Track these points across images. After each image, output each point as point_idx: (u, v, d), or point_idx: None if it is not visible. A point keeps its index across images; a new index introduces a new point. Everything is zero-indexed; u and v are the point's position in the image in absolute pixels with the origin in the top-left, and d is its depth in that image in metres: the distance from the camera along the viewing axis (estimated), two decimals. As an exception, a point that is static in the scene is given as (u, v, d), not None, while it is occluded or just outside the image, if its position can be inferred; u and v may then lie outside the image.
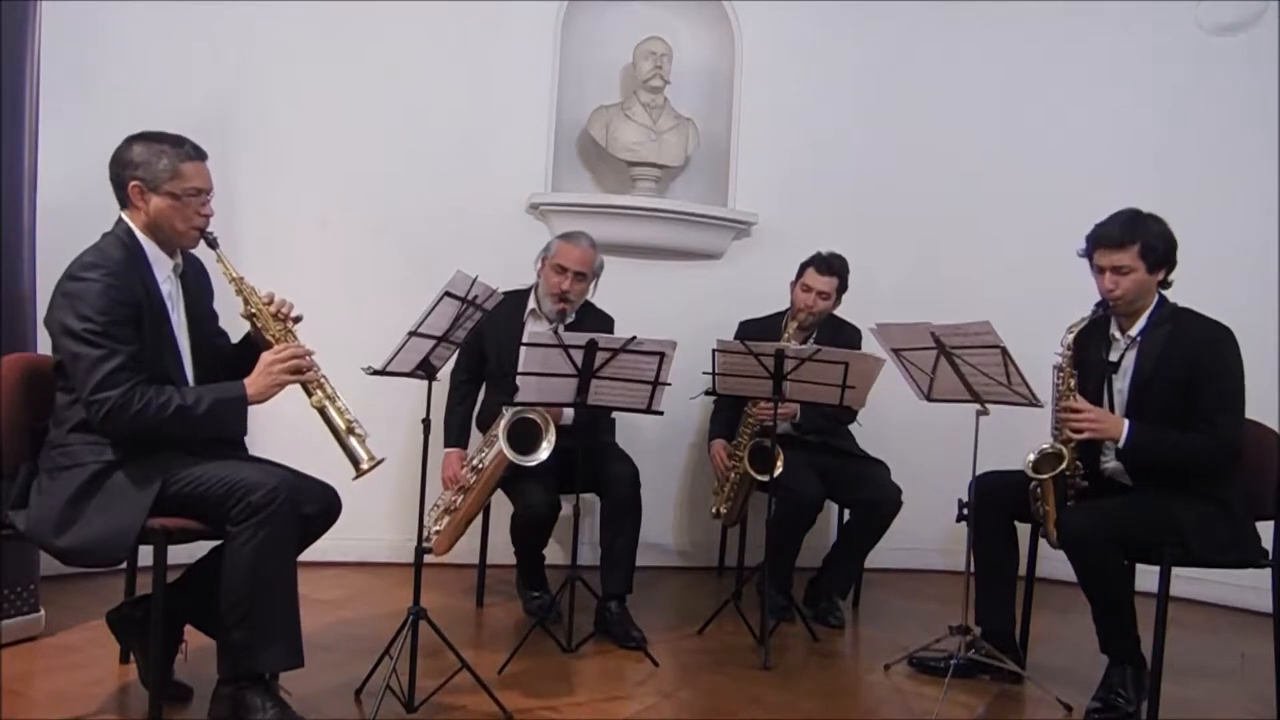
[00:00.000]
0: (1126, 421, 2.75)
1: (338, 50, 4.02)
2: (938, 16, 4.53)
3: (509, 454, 2.94)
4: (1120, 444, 2.75)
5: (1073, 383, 2.82)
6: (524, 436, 2.98)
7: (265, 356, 2.40)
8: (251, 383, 2.37)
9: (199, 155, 2.41)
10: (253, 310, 2.45)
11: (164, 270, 2.43)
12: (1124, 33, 4.40)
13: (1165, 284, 2.84)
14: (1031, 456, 2.82)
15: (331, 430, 2.39)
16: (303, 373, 2.39)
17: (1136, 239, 2.74)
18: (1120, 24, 4.40)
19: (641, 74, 4.33)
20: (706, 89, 4.54)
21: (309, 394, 2.40)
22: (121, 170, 2.37)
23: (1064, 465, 2.77)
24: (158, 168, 2.34)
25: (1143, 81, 4.37)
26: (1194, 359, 2.74)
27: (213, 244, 2.43)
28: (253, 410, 2.39)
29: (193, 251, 2.55)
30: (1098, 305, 2.83)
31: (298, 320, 2.50)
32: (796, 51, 4.47)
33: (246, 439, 2.65)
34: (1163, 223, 2.79)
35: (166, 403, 2.25)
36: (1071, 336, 2.82)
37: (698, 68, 4.54)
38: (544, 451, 2.95)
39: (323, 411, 2.39)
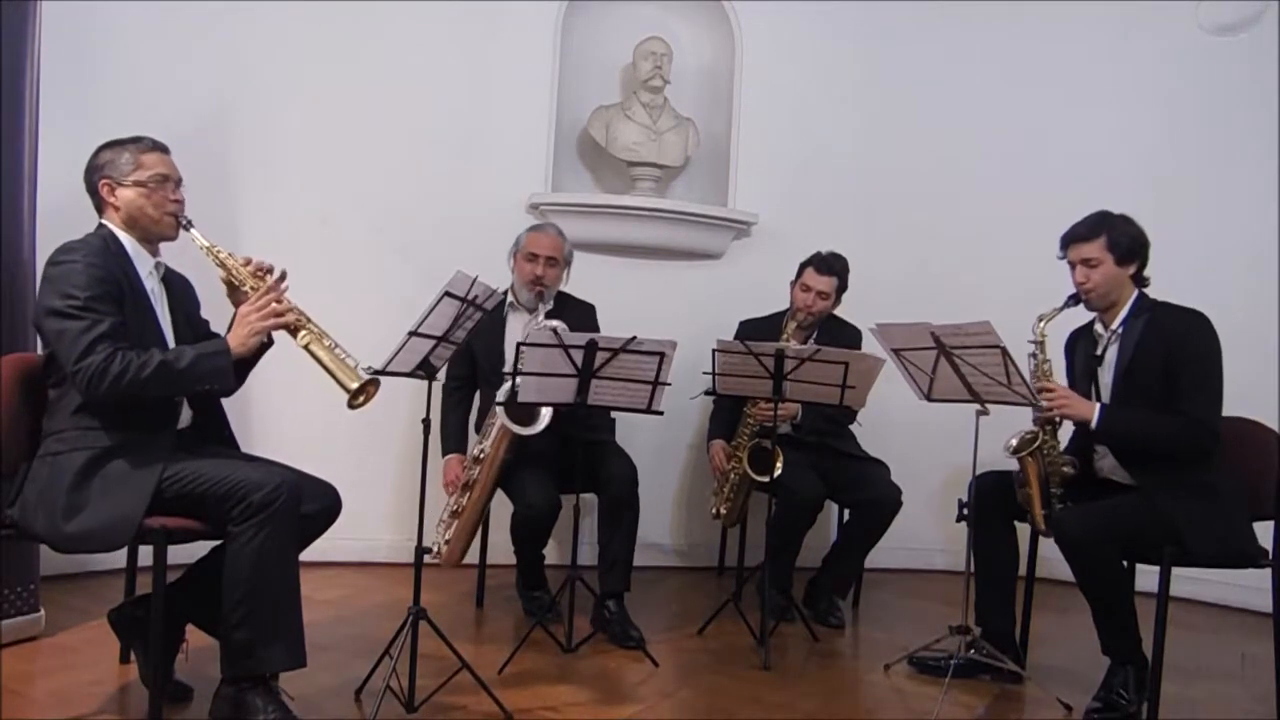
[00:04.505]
0: (1098, 405, 2.83)
1: (338, 50, 4.03)
2: (938, 16, 4.53)
3: (508, 424, 2.96)
4: (1092, 425, 2.83)
5: (1046, 367, 2.93)
6: (521, 413, 3.02)
7: (241, 309, 2.43)
8: (233, 335, 2.40)
9: (159, 147, 2.48)
10: (230, 272, 2.46)
11: (145, 266, 2.46)
12: (1124, 33, 4.41)
13: (1142, 281, 2.93)
14: (1013, 441, 2.93)
15: (321, 365, 2.37)
16: (280, 315, 2.39)
17: (1102, 232, 2.89)
18: (1120, 24, 4.41)
19: (641, 74, 4.33)
20: (706, 89, 4.54)
21: (294, 335, 2.40)
22: (91, 175, 2.45)
23: (1037, 443, 2.88)
24: (121, 163, 2.43)
25: (1143, 82, 4.37)
26: (1169, 345, 2.81)
27: (187, 227, 2.47)
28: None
29: (183, 274, 2.60)
30: (1070, 298, 2.95)
31: (282, 278, 2.50)
32: (796, 52, 4.47)
33: (244, 440, 2.65)
34: (1132, 222, 2.92)
35: (148, 361, 2.26)
36: (1043, 325, 2.95)
37: (698, 68, 4.54)
38: (543, 421, 3.00)
39: (309, 348, 2.38)
